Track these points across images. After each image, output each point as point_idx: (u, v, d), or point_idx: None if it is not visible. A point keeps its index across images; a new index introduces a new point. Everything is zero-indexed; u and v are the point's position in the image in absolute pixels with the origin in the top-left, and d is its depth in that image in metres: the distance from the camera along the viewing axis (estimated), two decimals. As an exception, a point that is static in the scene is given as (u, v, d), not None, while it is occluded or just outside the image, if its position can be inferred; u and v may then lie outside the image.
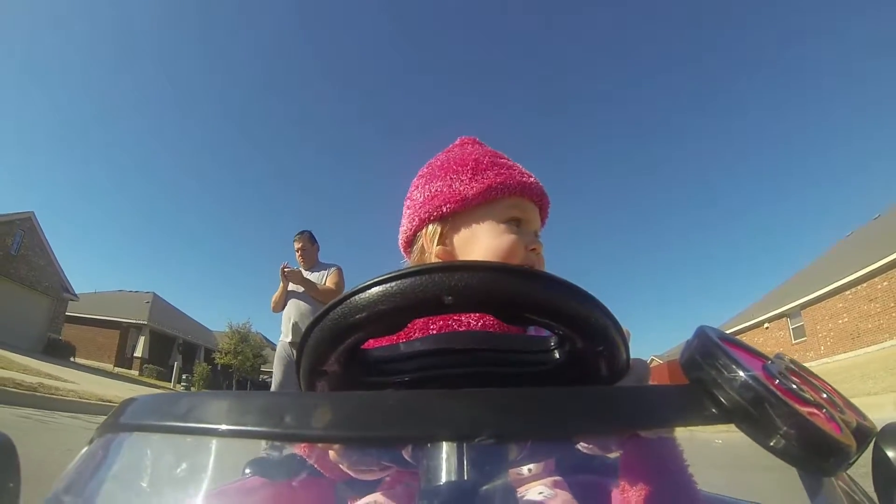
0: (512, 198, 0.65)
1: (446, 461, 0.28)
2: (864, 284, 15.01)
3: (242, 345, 27.41)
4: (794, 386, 0.31)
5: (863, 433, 0.33)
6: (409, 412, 0.28)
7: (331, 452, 0.44)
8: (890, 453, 0.35)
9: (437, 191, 0.67)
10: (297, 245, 3.85)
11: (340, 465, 0.44)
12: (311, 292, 3.68)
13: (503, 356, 0.42)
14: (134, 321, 26.02)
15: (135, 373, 22.55)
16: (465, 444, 0.27)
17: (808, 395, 0.31)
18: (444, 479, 0.28)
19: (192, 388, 22.36)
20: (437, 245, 0.66)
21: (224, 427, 0.30)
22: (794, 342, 17.45)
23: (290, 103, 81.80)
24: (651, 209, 71.56)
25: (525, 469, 0.43)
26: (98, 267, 61.67)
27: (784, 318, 18.24)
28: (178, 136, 68.89)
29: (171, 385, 21.07)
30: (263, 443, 0.36)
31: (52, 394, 6.40)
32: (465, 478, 0.28)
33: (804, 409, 0.30)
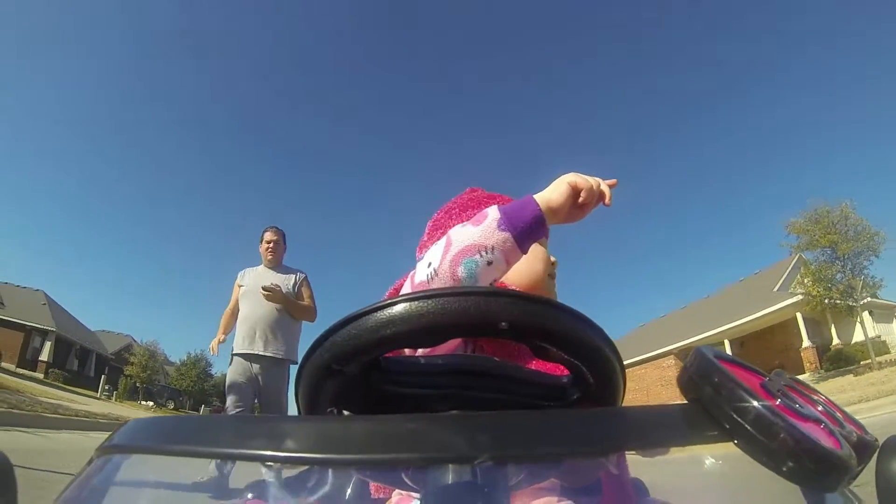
0: None
1: (446, 484, 0.28)
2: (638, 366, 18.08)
3: (151, 360, 31.39)
4: (793, 402, 0.31)
5: (864, 447, 0.33)
6: (409, 436, 0.28)
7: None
8: (893, 466, 0.35)
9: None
10: (269, 237, 3.18)
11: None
12: (291, 310, 3.04)
13: (522, 388, 0.42)
14: (38, 325, 25.89)
15: (40, 375, 22.23)
16: (464, 467, 0.27)
17: (806, 411, 0.31)
18: (444, 502, 0.28)
19: (112, 399, 23.97)
20: None
21: (226, 450, 0.30)
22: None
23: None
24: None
25: (526, 491, 0.43)
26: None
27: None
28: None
29: (97, 395, 22.14)
30: (265, 465, 0.36)
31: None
32: (466, 501, 0.28)
33: (803, 426, 0.30)
